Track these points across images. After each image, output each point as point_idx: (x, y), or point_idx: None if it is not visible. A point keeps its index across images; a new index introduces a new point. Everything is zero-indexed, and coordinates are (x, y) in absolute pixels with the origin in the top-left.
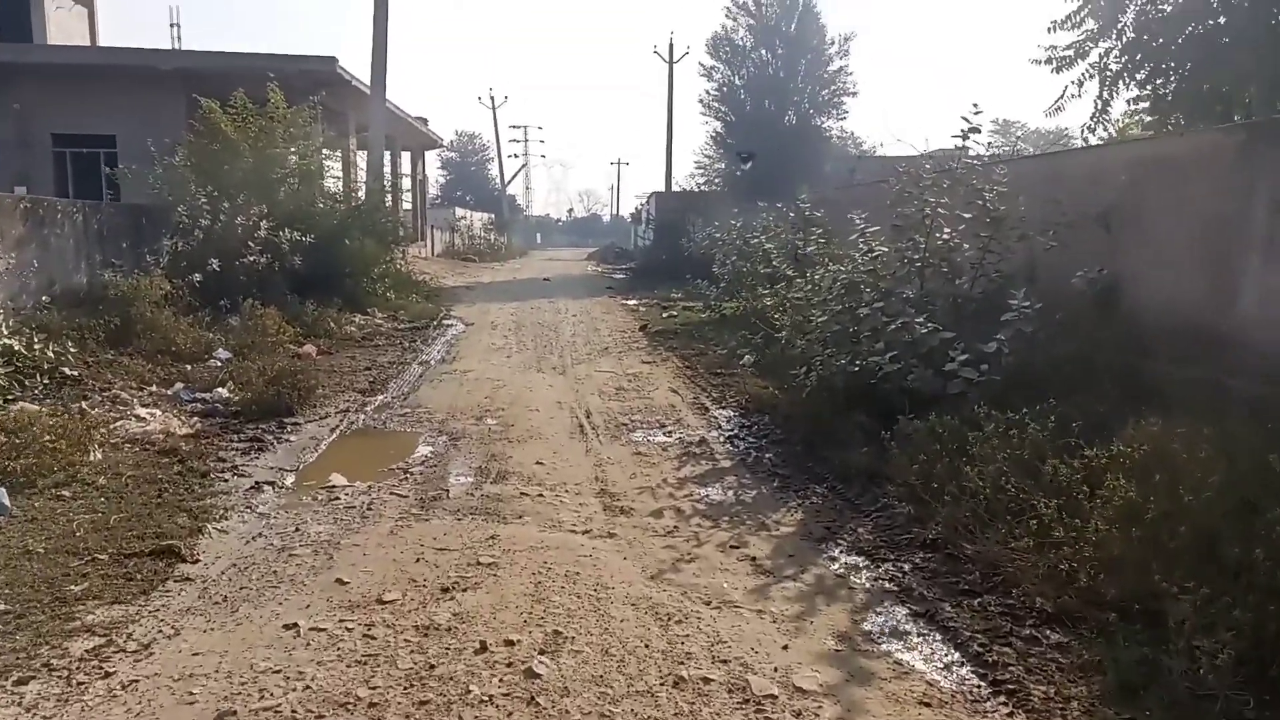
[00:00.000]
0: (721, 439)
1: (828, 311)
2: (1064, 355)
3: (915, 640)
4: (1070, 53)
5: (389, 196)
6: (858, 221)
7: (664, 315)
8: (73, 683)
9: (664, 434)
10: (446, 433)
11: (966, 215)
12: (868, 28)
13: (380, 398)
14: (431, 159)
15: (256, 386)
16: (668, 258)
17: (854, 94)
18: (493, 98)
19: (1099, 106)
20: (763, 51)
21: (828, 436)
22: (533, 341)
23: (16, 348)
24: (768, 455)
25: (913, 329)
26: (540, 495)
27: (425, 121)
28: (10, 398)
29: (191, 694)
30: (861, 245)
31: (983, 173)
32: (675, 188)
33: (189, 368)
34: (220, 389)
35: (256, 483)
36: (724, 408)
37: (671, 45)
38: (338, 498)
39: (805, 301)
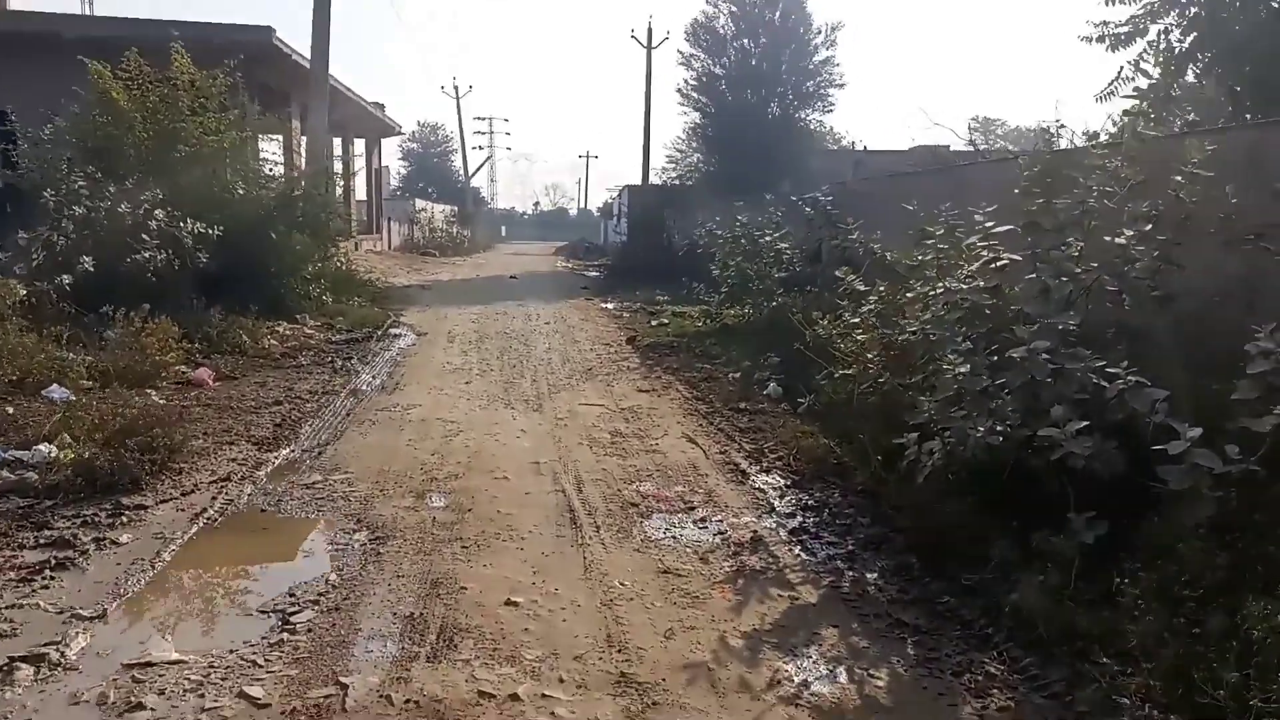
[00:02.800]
0: (783, 534)
1: (950, 349)
2: None
3: None
4: (1128, 28)
5: (331, 184)
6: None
7: (652, 323)
8: None
9: (696, 525)
10: (368, 525)
11: (1143, 209)
12: (855, 17)
13: (284, 452)
14: (392, 150)
15: (94, 444)
16: (646, 255)
17: (841, 86)
18: (456, 87)
19: (1159, 90)
20: (745, 40)
21: (950, 541)
22: (499, 359)
23: None
24: (870, 576)
25: (1091, 381)
26: (515, 696)
27: (382, 107)
28: None
29: None
30: (978, 250)
31: (1155, 149)
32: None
33: (11, 410)
34: (43, 445)
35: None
36: (767, 470)
37: (650, 30)
38: (139, 704)
39: (897, 330)
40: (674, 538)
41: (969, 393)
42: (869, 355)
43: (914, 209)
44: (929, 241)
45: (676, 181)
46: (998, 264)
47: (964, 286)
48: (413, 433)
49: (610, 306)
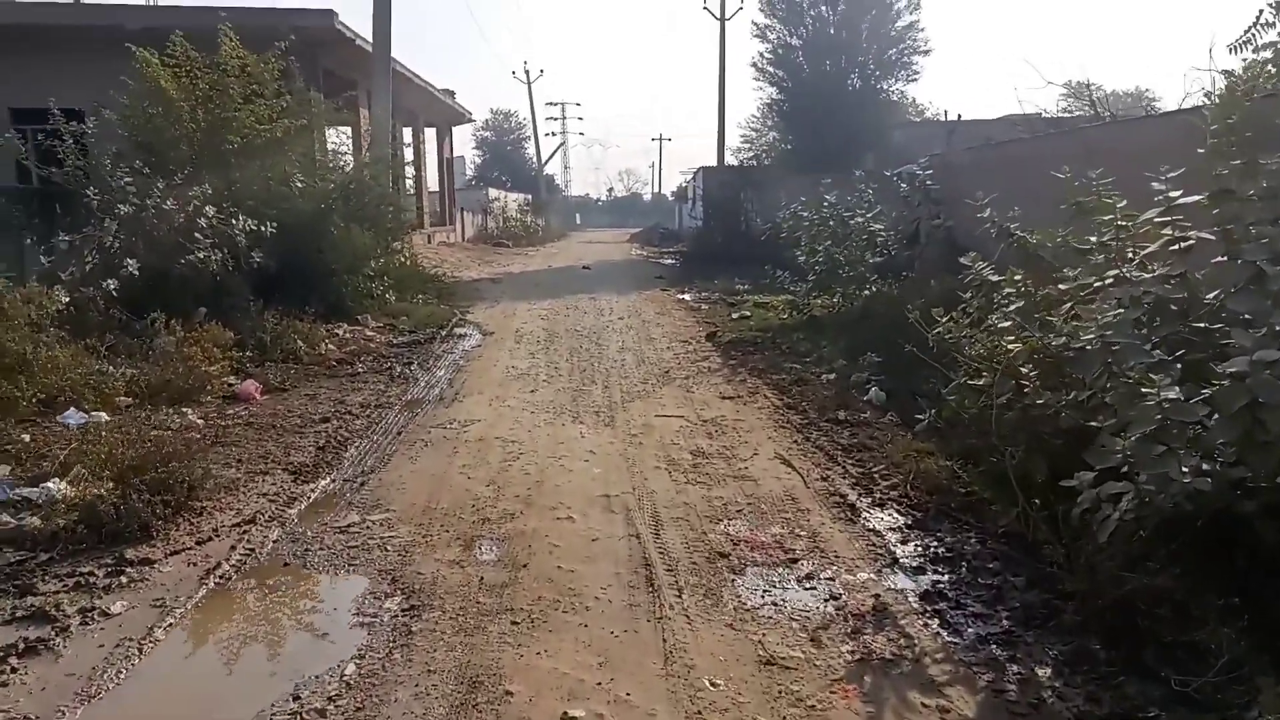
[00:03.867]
0: (914, 600)
1: (1136, 360)
2: None
3: None
4: None
5: (397, 174)
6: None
7: (733, 316)
8: None
9: (801, 585)
10: (404, 586)
11: None
12: None
13: (323, 483)
14: (466, 139)
15: (104, 481)
16: (723, 240)
17: (926, 52)
18: (527, 72)
19: None
20: (823, 7)
21: (1146, 618)
22: (568, 361)
23: None
24: (1042, 673)
25: None
26: None
27: (452, 94)
28: None
29: None
30: (1153, 229)
31: None
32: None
33: (29, 438)
34: (53, 482)
35: None
36: (880, 502)
37: (723, 1)
38: None
39: (1054, 333)
40: (776, 605)
41: (1175, 424)
42: (1019, 365)
43: (1063, 175)
44: (1105, 217)
45: (753, 162)
46: (1183, 245)
47: (1145, 275)
48: (468, 456)
49: (687, 297)
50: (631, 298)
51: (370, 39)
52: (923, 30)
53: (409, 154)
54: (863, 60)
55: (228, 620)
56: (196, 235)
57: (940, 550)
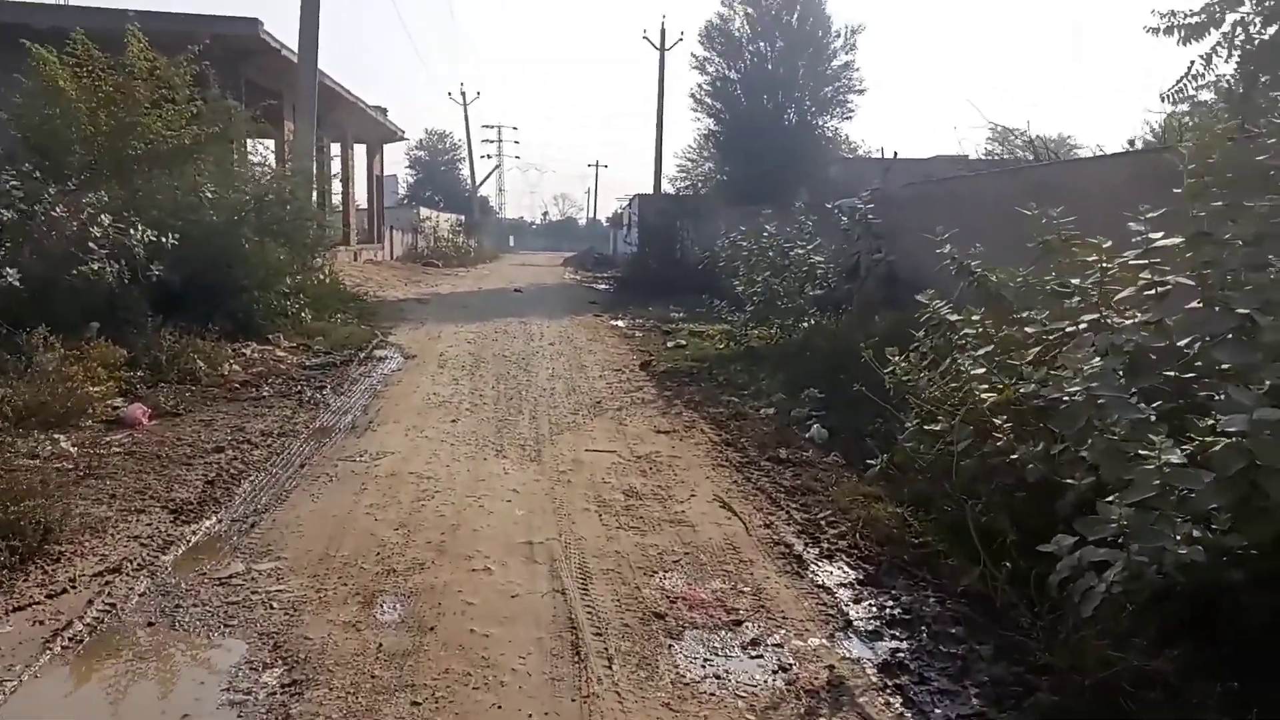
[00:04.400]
0: (872, 672)
1: (1123, 415)
2: None
3: None
4: (1202, 18)
5: (320, 188)
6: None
7: (669, 344)
8: None
9: (746, 653)
10: (287, 656)
11: None
12: (876, 20)
13: (207, 524)
14: (399, 158)
15: None
16: (658, 267)
17: (861, 91)
18: (464, 93)
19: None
20: (761, 44)
21: (1133, 700)
22: (494, 389)
23: None
24: None
25: None
26: None
27: (384, 111)
28: None
29: None
30: (1125, 272)
31: None
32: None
33: None
34: None
35: None
36: (829, 554)
37: (664, 31)
38: None
39: (1024, 380)
40: (718, 678)
41: (1174, 490)
42: (990, 415)
43: (1029, 212)
44: (1089, 257)
45: (689, 191)
46: (1160, 290)
47: (1125, 322)
48: (377, 494)
49: (621, 324)
50: (564, 323)
51: (296, 49)
52: (858, 70)
53: (336, 169)
54: (799, 96)
55: (68, 696)
56: (90, 245)
57: (897, 611)
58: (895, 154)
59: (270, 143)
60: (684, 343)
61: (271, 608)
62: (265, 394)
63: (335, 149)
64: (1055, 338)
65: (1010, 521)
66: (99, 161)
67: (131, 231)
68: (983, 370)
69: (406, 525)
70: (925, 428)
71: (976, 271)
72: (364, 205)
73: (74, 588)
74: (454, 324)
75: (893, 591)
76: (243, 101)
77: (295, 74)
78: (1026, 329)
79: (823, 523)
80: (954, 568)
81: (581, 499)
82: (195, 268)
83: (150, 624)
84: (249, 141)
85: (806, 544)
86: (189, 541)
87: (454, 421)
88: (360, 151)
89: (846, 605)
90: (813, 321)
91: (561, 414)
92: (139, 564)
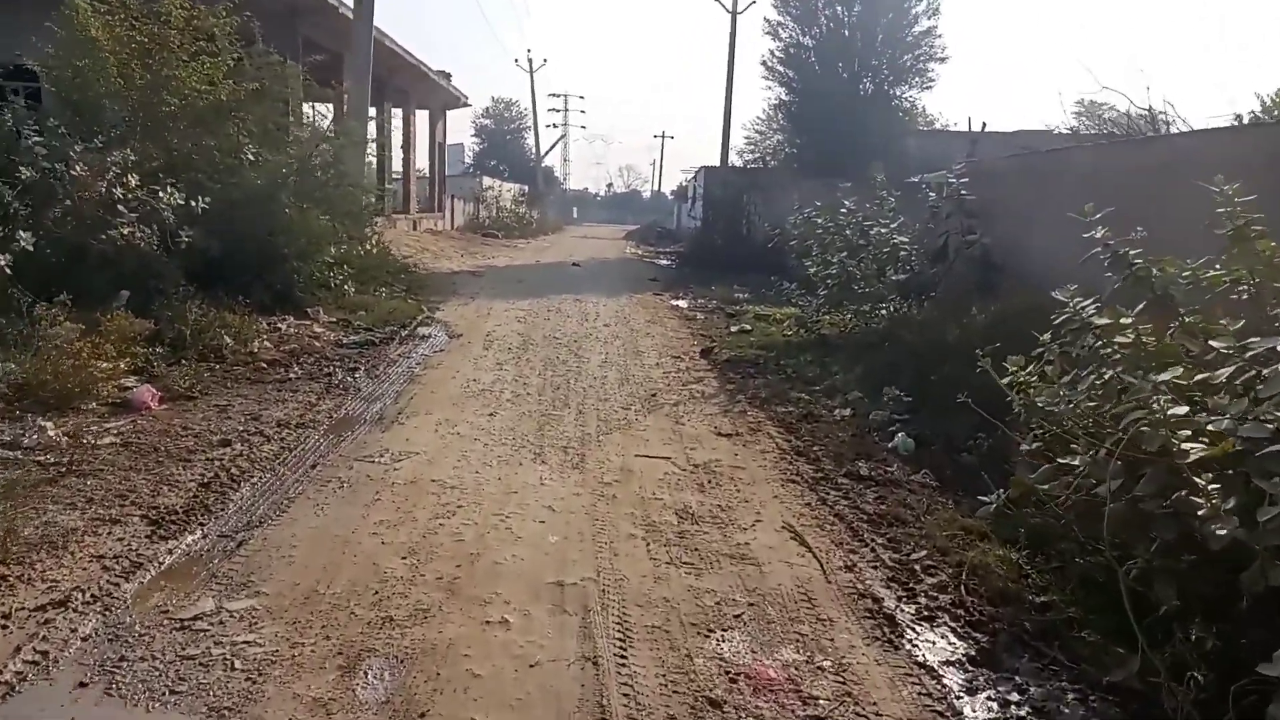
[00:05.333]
0: None
1: None
2: None
3: None
4: None
5: (375, 152)
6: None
7: (732, 329)
8: None
9: None
10: None
11: None
12: None
13: (188, 540)
14: (464, 126)
15: None
16: (723, 243)
17: (943, 60)
18: (530, 60)
19: None
20: (838, 7)
21: None
22: (540, 376)
23: None
24: None
25: None
26: None
27: (448, 76)
28: None
29: None
30: None
31: None
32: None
33: None
34: None
35: None
36: (928, 614)
37: None
38: None
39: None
40: None
41: None
42: (1193, 472)
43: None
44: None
45: (757, 164)
46: None
47: None
48: (390, 508)
49: (682, 304)
50: (621, 301)
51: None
52: (939, 37)
53: (398, 136)
54: (876, 64)
55: None
56: (119, 208)
57: (1025, 712)
58: (984, 125)
59: (330, 107)
60: (749, 327)
61: (232, 669)
62: (293, 375)
63: (397, 115)
64: (1258, 355)
65: (1173, 590)
66: (132, 118)
67: (161, 194)
68: (1184, 410)
69: (417, 552)
70: (1059, 460)
71: (1136, 263)
72: (424, 173)
73: (6, 628)
74: (506, 300)
75: (1016, 679)
76: (299, 61)
77: (352, 31)
78: (1213, 343)
79: (918, 567)
80: (1095, 647)
81: (627, 520)
82: (235, 234)
83: (82, 685)
84: (309, 106)
85: (900, 598)
86: (161, 564)
87: (492, 415)
88: (423, 118)
89: (958, 698)
90: (893, 309)
91: (612, 409)
92: (93, 595)
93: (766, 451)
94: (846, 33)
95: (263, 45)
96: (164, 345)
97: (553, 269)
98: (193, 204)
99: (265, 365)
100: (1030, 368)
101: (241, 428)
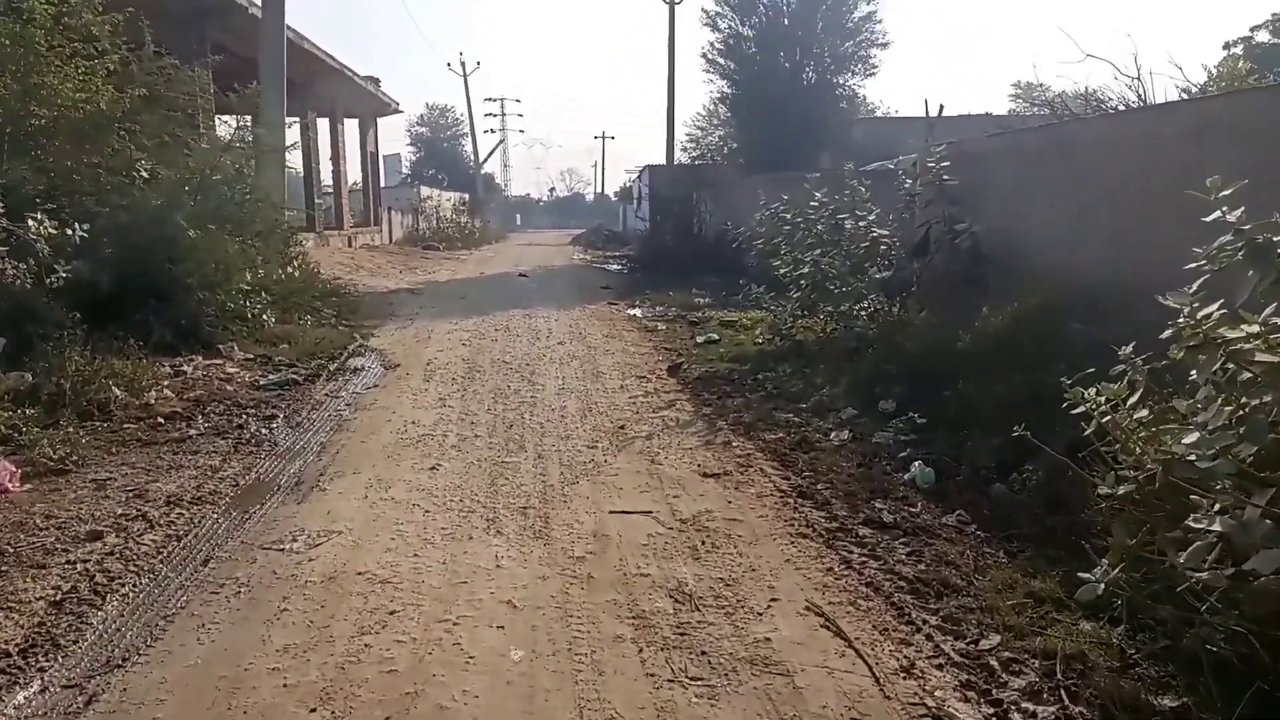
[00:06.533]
0: None
1: None
2: None
3: None
4: None
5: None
6: None
7: (698, 340)
8: None
9: None
10: None
11: None
12: None
13: (18, 701)
14: (400, 135)
15: None
16: (674, 244)
17: (884, 45)
18: (463, 64)
19: None
20: None
21: None
22: (490, 413)
23: None
24: None
25: None
26: None
27: (376, 82)
28: None
29: None
30: None
31: None
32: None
33: None
34: None
35: None
36: None
37: None
38: None
39: None
40: None
41: None
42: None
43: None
44: None
45: (699, 162)
46: None
47: None
48: (300, 622)
49: (639, 313)
50: (574, 314)
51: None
52: (880, 22)
53: (327, 147)
54: (818, 52)
55: None
56: None
57: None
58: (941, 107)
59: (250, 119)
60: (716, 337)
61: None
62: (195, 431)
63: (324, 125)
64: None
65: None
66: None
67: (30, 221)
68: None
69: (332, 698)
70: (1189, 522)
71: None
72: (360, 185)
73: None
74: (449, 320)
75: None
76: (207, 67)
77: (261, 28)
78: None
79: (994, 663)
80: None
81: (610, 614)
82: (129, 264)
83: None
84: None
85: (986, 716)
86: None
87: (434, 469)
88: (352, 127)
89: None
90: (874, 310)
91: (575, 448)
92: None
93: (764, 495)
94: (786, 21)
95: (155, 47)
96: (38, 404)
97: (498, 281)
98: (68, 232)
99: (163, 420)
100: (1132, 401)
101: (120, 510)
